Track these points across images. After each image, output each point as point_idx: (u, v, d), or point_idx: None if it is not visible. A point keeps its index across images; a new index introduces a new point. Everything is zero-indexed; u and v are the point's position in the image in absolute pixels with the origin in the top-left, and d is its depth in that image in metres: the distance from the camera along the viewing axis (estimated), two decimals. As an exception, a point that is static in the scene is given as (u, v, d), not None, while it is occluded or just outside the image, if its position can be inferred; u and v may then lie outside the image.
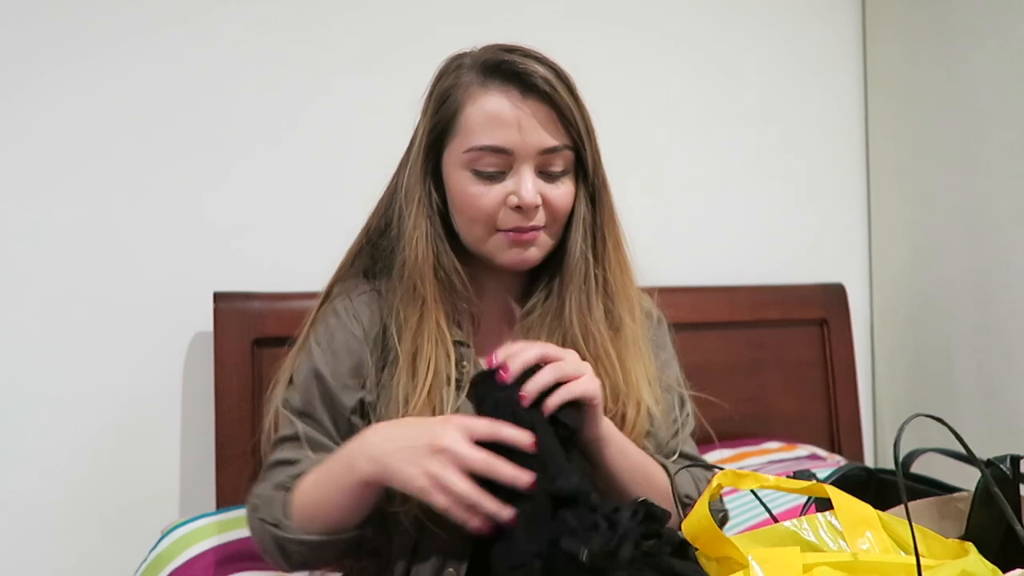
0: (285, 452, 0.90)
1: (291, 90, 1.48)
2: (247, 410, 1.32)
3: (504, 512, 0.73)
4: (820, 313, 1.83)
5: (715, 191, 1.84)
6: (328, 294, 0.97)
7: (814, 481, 0.63)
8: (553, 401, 0.78)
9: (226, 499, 1.30)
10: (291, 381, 0.94)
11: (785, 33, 1.91)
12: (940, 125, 1.77)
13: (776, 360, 1.77)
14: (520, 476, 0.73)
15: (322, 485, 0.83)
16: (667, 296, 1.56)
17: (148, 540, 1.27)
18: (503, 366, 0.79)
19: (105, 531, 1.34)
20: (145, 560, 1.22)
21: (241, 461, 1.30)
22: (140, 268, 1.38)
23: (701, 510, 0.57)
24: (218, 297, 1.35)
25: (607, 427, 0.86)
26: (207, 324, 1.35)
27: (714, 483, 0.60)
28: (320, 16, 1.51)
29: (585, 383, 0.80)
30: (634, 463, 0.88)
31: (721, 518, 0.97)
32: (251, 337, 1.34)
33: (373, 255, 0.98)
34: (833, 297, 1.85)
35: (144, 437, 1.38)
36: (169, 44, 1.40)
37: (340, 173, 1.49)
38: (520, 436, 0.75)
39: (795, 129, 1.92)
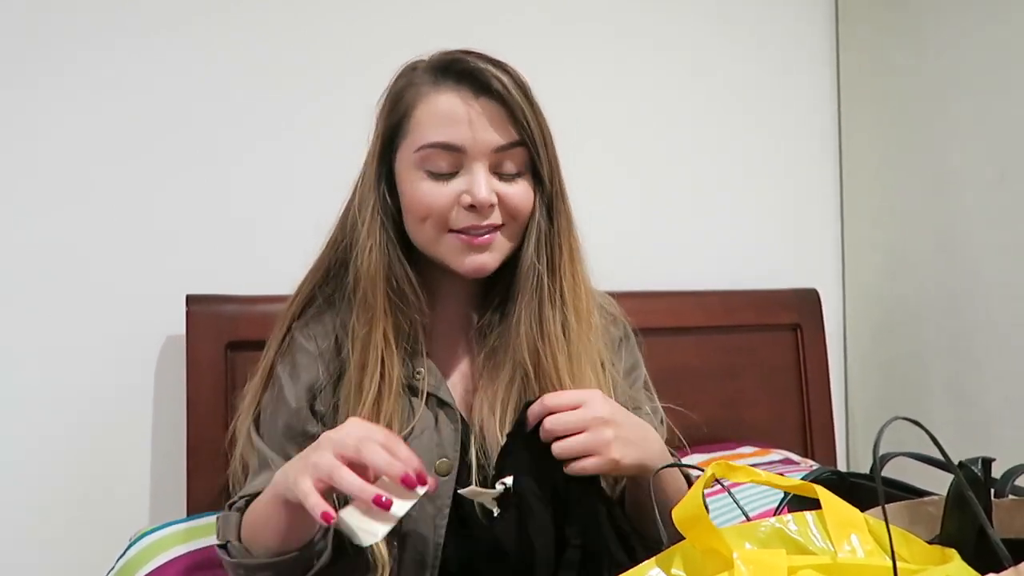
0: (255, 483, 0.90)
1: (271, 95, 1.47)
2: (220, 415, 1.30)
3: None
4: (794, 318, 1.84)
5: (690, 197, 1.85)
6: (289, 327, 0.96)
7: (800, 481, 0.63)
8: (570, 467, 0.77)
9: (197, 505, 1.28)
10: (258, 416, 0.93)
11: (761, 43, 1.93)
12: (912, 134, 1.80)
13: (750, 365, 1.78)
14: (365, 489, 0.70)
15: (266, 506, 0.81)
16: (642, 301, 1.58)
17: (117, 546, 1.25)
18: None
19: (73, 537, 1.32)
20: (113, 568, 1.19)
21: (213, 467, 1.28)
22: (111, 270, 1.36)
23: (694, 498, 0.57)
24: (191, 299, 1.33)
25: (650, 466, 0.81)
26: (179, 327, 1.33)
27: (708, 472, 0.60)
28: (308, 23, 1.50)
29: (595, 464, 0.77)
30: (677, 482, 0.87)
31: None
32: (224, 340, 1.32)
33: (333, 269, 0.97)
34: (807, 302, 1.87)
35: (115, 442, 1.35)
36: (152, 46, 1.39)
37: (319, 175, 1.48)
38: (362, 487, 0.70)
39: (770, 137, 1.94)
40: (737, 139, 1.90)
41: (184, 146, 1.41)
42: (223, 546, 0.84)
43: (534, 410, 0.78)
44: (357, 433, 0.72)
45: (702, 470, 0.62)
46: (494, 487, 0.78)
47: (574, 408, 0.77)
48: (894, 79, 1.84)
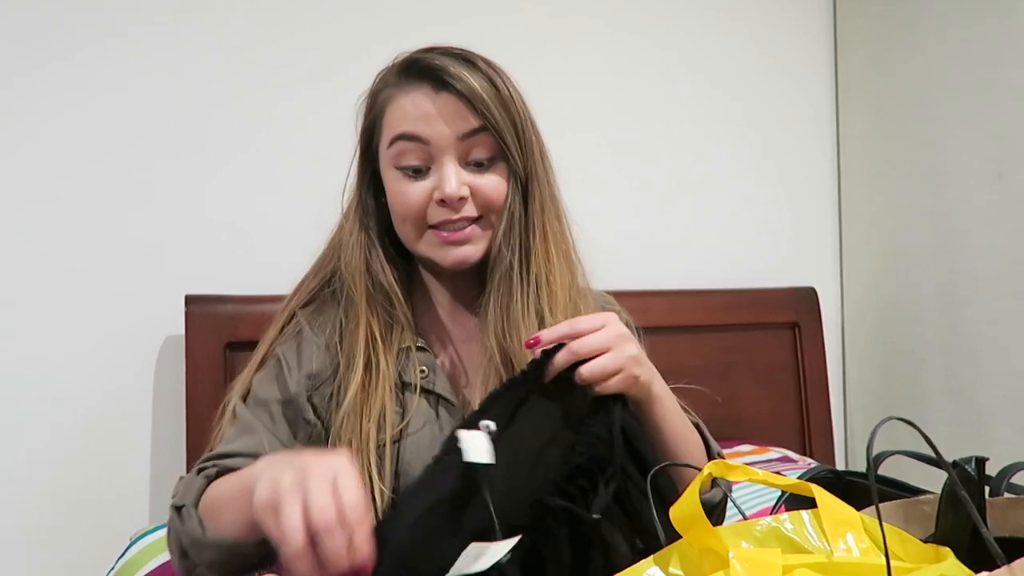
0: (231, 445, 0.86)
1: (266, 93, 1.47)
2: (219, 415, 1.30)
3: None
4: (792, 316, 1.85)
5: (688, 196, 1.85)
6: (291, 316, 0.96)
7: (796, 479, 0.63)
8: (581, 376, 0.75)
9: (197, 505, 1.28)
10: (248, 392, 0.92)
11: (761, 43, 1.93)
12: (910, 132, 1.80)
13: (748, 363, 1.79)
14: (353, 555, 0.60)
15: (238, 492, 0.74)
16: (641, 299, 1.58)
17: (117, 546, 1.25)
18: (535, 338, 0.77)
19: (73, 536, 1.32)
20: (113, 567, 1.20)
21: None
22: (110, 272, 1.36)
23: (691, 497, 0.57)
24: (190, 300, 1.33)
25: (656, 390, 0.83)
26: (178, 327, 1.33)
27: (705, 471, 0.60)
28: (303, 15, 1.50)
29: (619, 381, 0.76)
30: (683, 423, 0.87)
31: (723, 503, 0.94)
32: (223, 340, 1.33)
33: (330, 270, 0.97)
34: (805, 300, 1.87)
35: (114, 442, 1.36)
36: (145, 45, 1.39)
37: (317, 175, 1.48)
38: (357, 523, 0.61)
39: (768, 136, 1.94)
40: (735, 138, 1.90)
41: (183, 146, 1.41)
42: (177, 508, 0.79)
43: (560, 330, 0.76)
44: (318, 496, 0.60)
45: (699, 469, 0.62)
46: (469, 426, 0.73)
47: (596, 331, 0.76)
48: (892, 78, 1.84)
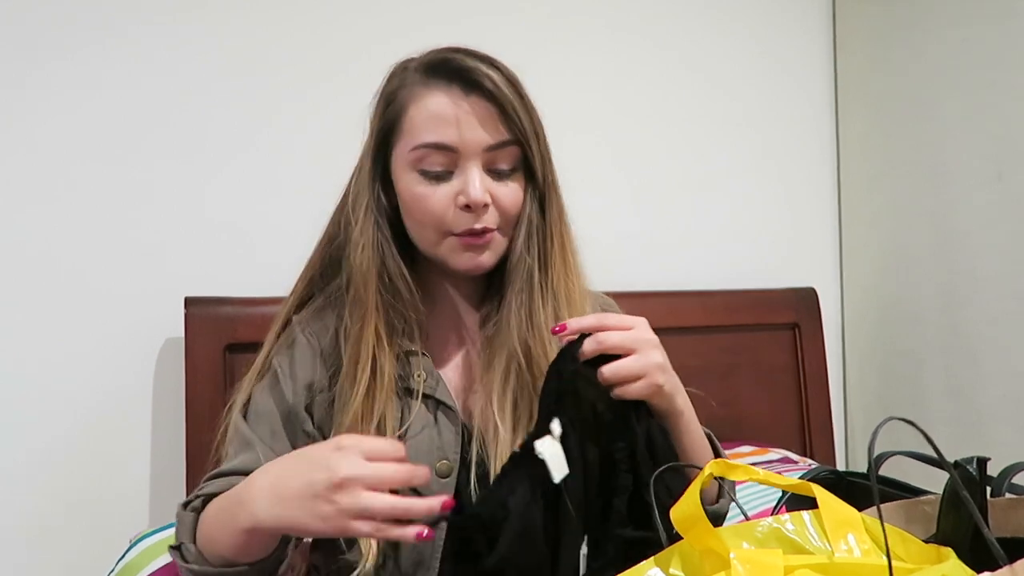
0: (232, 462, 0.88)
1: (266, 93, 1.47)
2: (219, 416, 1.29)
3: (435, 503, 0.68)
4: (792, 317, 1.85)
5: (688, 196, 1.85)
6: (287, 321, 0.96)
7: (798, 480, 0.63)
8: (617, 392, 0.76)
9: (197, 506, 1.28)
10: (247, 404, 0.92)
11: (761, 43, 1.93)
12: (909, 132, 1.80)
13: (749, 364, 1.78)
14: (432, 503, 0.68)
15: (220, 516, 0.78)
16: (641, 301, 1.58)
17: (117, 546, 1.25)
18: (561, 325, 0.78)
19: (73, 536, 1.32)
20: (113, 569, 1.20)
21: (212, 468, 1.28)
22: (110, 273, 1.36)
23: (692, 497, 0.57)
24: (189, 302, 1.33)
25: (679, 403, 0.82)
26: (178, 329, 1.33)
27: (706, 471, 0.60)
28: (303, 15, 1.50)
29: (641, 387, 0.76)
30: (699, 437, 0.87)
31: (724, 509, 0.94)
32: (223, 342, 1.33)
33: (327, 266, 0.97)
34: (805, 301, 1.87)
35: (115, 444, 1.36)
36: (145, 45, 1.39)
37: (317, 176, 1.47)
38: (413, 471, 0.69)
39: (768, 136, 1.94)
40: (735, 138, 1.90)
41: (183, 146, 1.41)
42: (177, 547, 0.81)
43: (588, 321, 0.77)
44: (377, 471, 0.67)
45: (700, 468, 0.62)
46: (539, 434, 0.72)
47: (625, 329, 0.77)
48: (891, 78, 1.84)
